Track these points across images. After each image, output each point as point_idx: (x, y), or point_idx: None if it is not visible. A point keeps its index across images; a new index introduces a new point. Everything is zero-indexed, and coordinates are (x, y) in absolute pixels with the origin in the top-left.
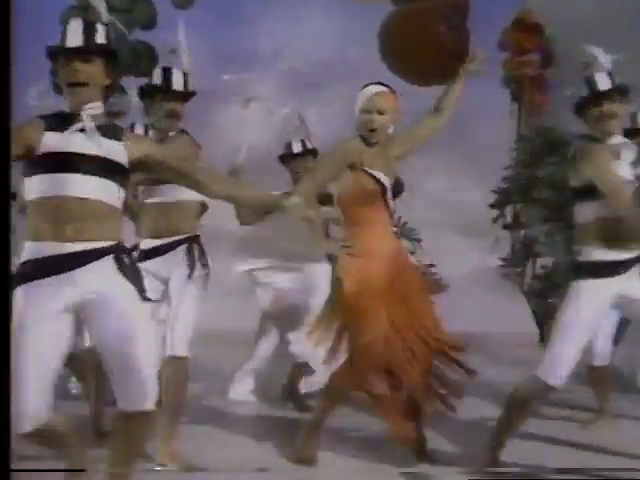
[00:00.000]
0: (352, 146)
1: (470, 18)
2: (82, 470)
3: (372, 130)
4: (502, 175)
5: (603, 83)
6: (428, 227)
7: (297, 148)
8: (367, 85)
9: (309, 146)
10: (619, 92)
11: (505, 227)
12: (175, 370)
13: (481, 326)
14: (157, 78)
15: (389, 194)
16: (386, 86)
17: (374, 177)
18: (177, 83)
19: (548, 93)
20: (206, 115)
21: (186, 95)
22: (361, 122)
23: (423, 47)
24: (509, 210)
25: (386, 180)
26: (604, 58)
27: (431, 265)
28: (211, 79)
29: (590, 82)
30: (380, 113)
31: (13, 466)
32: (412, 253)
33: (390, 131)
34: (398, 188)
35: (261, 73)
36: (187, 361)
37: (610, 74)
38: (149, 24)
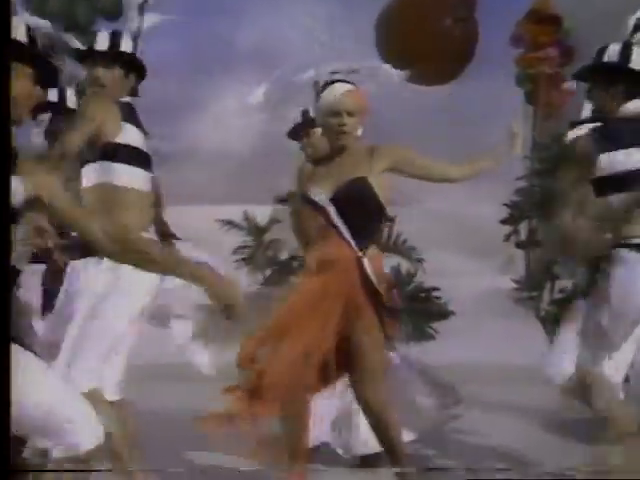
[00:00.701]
0: (305, 170)
1: (479, 8)
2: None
3: (341, 133)
4: (515, 187)
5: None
6: (431, 245)
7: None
8: (329, 83)
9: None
10: None
11: (519, 245)
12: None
13: (490, 356)
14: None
15: (329, 210)
16: (351, 83)
17: (307, 199)
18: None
19: (567, 93)
20: None
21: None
22: (328, 125)
23: (426, 41)
24: (523, 226)
25: (320, 195)
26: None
27: (435, 289)
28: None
29: None
30: (350, 114)
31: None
32: (412, 275)
33: (359, 133)
34: (352, 199)
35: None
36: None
37: None
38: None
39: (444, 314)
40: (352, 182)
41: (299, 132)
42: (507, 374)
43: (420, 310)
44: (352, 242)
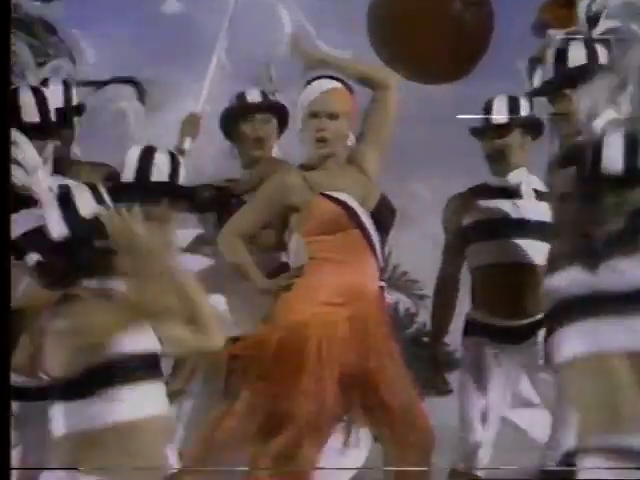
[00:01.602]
0: (290, 182)
1: None
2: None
3: (321, 140)
4: None
5: None
6: (433, 277)
7: (254, 97)
8: (312, 79)
9: (272, 99)
10: None
11: None
12: None
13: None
14: None
15: (363, 219)
16: (339, 80)
17: (333, 199)
18: None
19: None
20: None
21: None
22: (306, 130)
23: (430, 28)
24: None
25: (353, 201)
26: None
27: None
28: None
29: None
30: (332, 117)
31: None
32: (413, 315)
33: (349, 141)
34: (385, 212)
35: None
36: None
37: None
38: None
39: (453, 364)
40: (384, 201)
41: (230, 124)
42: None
43: (423, 358)
44: (380, 268)
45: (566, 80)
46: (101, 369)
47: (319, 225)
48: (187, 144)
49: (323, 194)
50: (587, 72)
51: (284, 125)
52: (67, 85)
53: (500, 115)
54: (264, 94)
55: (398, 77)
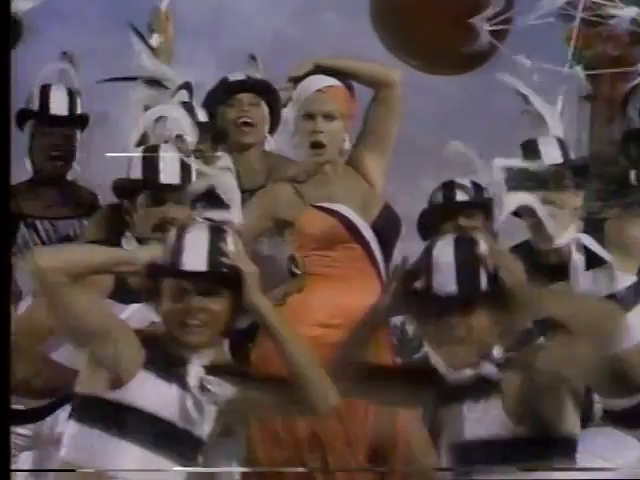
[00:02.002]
0: (279, 195)
1: None
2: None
3: (317, 145)
4: None
5: None
6: None
7: (237, 77)
8: (306, 76)
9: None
10: None
11: None
12: None
13: None
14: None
15: (363, 231)
16: (336, 77)
17: (327, 210)
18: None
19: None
20: None
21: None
22: (300, 133)
23: (441, 14)
24: None
25: (350, 212)
26: None
27: None
28: None
29: None
30: (328, 118)
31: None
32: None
33: (346, 144)
34: (388, 223)
35: None
36: None
37: None
38: None
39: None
40: (387, 211)
41: (214, 109)
42: None
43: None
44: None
45: None
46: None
47: (313, 240)
48: (154, 41)
49: (315, 206)
50: None
51: (276, 111)
52: (71, 93)
53: (553, 159)
54: (249, 75)
55: (400, 73)
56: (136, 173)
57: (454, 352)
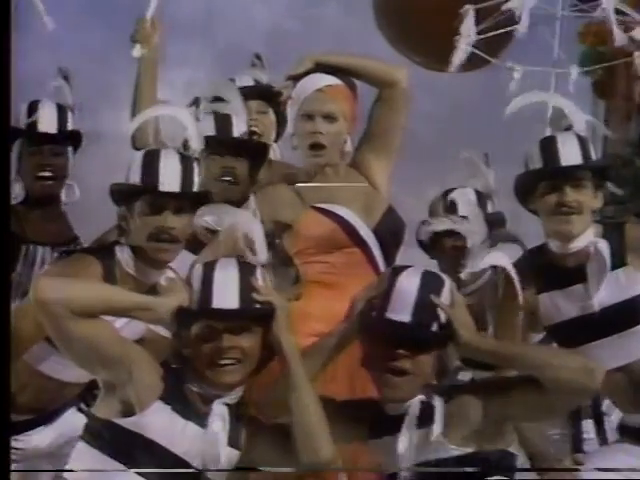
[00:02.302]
0: (280, 196)
1: None
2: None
3: (316, 147)
4: None
5: None
6: None
7: (244, 82)
8: (305, 75)
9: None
10: None
11: None
12: None
13: None
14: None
15: (363, 234)
16: (337, 76)
17: (326, 212)
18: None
19: None
20: None
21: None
22: (299, 134)
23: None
24: None
25: (351, 215)
26: None
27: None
28: None
29: None
30: (329, 119)
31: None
32: None
33: (347, 146)
34: (391, 226)
35: None
36: None
37: None
38: None
39: None
40: (390, 215)
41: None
42: None
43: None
44: None
45: None
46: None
47: (311, 244)
48: (136, 51)
49: (315, 207)
50: None
51: (283, 119)
52: (62, 109)
53: (572, 159)
54: (257, 81)
55: (406, 72)
56: (135, 178)
57: (396, 384)
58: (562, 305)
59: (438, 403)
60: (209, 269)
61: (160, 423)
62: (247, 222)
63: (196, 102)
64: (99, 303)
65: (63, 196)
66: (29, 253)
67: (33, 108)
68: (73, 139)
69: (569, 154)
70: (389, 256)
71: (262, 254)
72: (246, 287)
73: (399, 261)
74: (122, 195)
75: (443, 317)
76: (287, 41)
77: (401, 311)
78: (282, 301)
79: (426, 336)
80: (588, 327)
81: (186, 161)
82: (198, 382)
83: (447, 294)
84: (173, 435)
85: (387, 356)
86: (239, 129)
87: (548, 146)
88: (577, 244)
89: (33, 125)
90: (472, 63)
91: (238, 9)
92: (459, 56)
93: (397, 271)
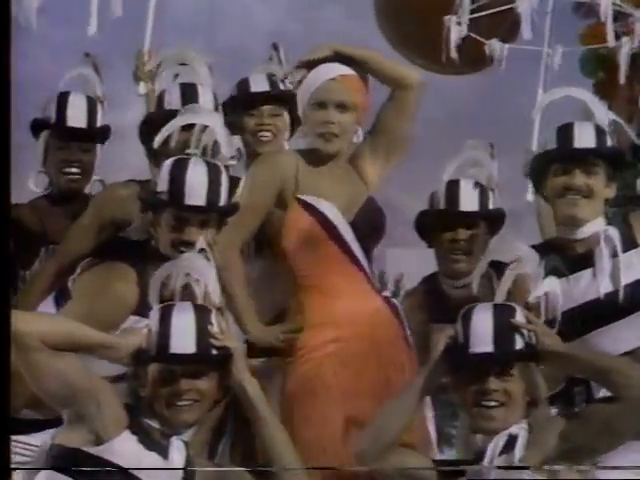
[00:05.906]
0: (284, 162)
1: None
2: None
3: (328, 135)
4: None
5: None
6: None
7: (259, 86)
8: (318, 64)
9: (282, 87)
10: None
11: None
12: None
13: None
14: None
15: (340, 228)
16: (349, 66)
17: (310, 207)
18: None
19: None
20: None
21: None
22: (309, 123)
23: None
24: None
25: (329, 207)
26: None
27: None
28: None
29: None
30: (341, 108)
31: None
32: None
33: (358, 137)
34: (369, 217)
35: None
36: None
37: None
38: None
39: None
40: (369, 203)
41: (232, 116)
42: None
43: None
44: (374, 283)
45: None
46: None
47: (294, 238)
48: (141, 89)
49: (298, 199)
50: None
51: (297, 120)
52: (91, 102)
53: (586, 144)
54: (272, 81)
55: (419, 77)
56: (163, 187)
57: (490, 415)
58: (575, 291)
59: (522, 433)
60: (167, 313)
61: (127, 452)
62: (200, 268)
63: (159, 65)
64: (65, 338)
65: (88, 192)
66: (48, 252)
67: (63, 99)
68: (102, 134)
69: (584, 139)
70: (368, 250)
71: (216, 297)
72: (203, 332)
73: (388, 261)
74: (149, 205)
75: (522, 339)
76: (288, 43)
77: (483, 343)
78: (237, 343)
79: (512, 356)
80: (608, 309)
81: (214, 172)
82: (157, 419)
83: (521, 316)
84: (140, 464)
85: (479, 390)
86: (205, 98)
87: (564, 131)
88: (585, 230)
89: (62, 118)
90: (474, 64)
91: (239, 11)
92: (453, 38)
93: (469, 310)
